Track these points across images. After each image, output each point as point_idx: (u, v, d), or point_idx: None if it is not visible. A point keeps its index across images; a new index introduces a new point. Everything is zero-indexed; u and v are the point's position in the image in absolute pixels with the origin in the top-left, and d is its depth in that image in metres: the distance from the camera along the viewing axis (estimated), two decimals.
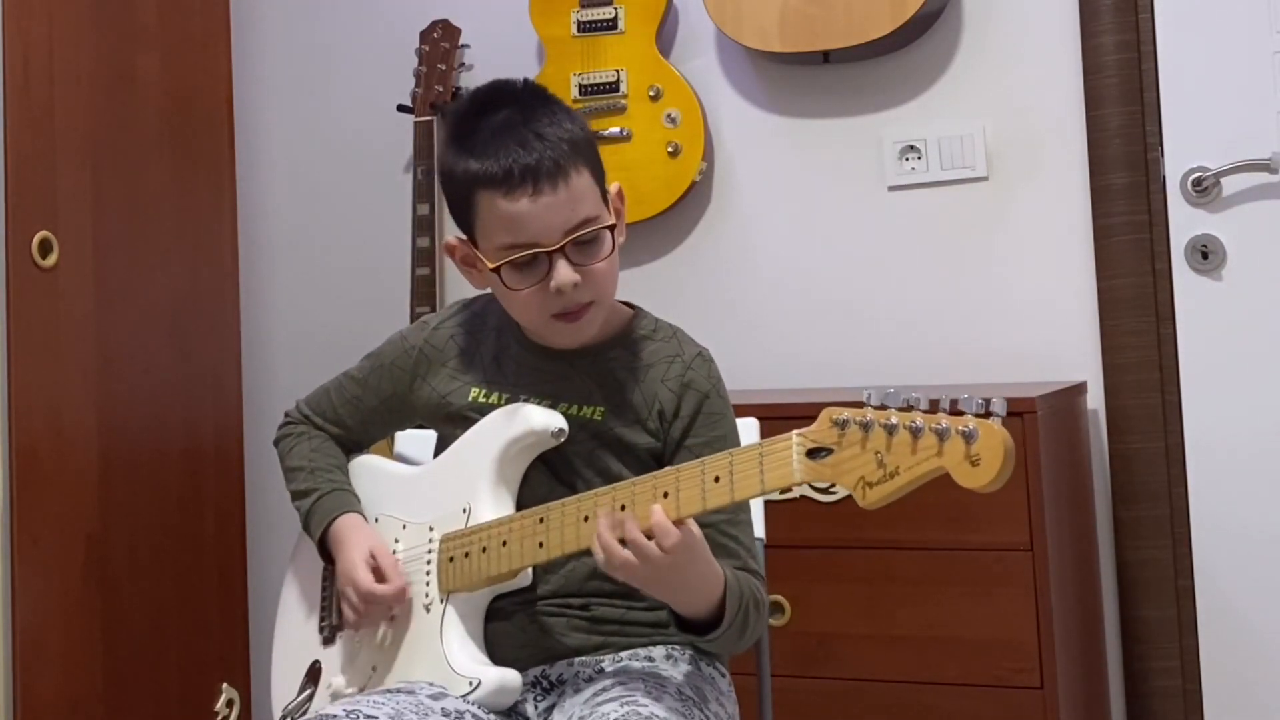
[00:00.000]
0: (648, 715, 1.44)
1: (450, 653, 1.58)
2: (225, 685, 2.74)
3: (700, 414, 1.64)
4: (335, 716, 1.47)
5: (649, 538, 1.43)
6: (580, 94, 2.79)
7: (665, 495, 1.45)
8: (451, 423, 1.70)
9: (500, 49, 2.93)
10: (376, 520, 1.74)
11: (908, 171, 2.71)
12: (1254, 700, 2.45)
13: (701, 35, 2.84)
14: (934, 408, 1.30)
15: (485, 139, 1.57)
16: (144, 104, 2.65)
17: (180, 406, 2.70)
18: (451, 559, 1.62)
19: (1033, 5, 2.64)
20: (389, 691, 1.55)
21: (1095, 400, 2.58)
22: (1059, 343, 2.60)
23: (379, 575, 1.65)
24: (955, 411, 1.28)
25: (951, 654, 2.20)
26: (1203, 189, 2.50)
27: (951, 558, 2.21)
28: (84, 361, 2.47)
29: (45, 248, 2.39)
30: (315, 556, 1.77)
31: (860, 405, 1.33)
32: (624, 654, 1.62)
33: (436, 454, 1.75)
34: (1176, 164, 2.52)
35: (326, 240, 3.17)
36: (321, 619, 1.78)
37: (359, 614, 1.66)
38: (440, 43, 2.92)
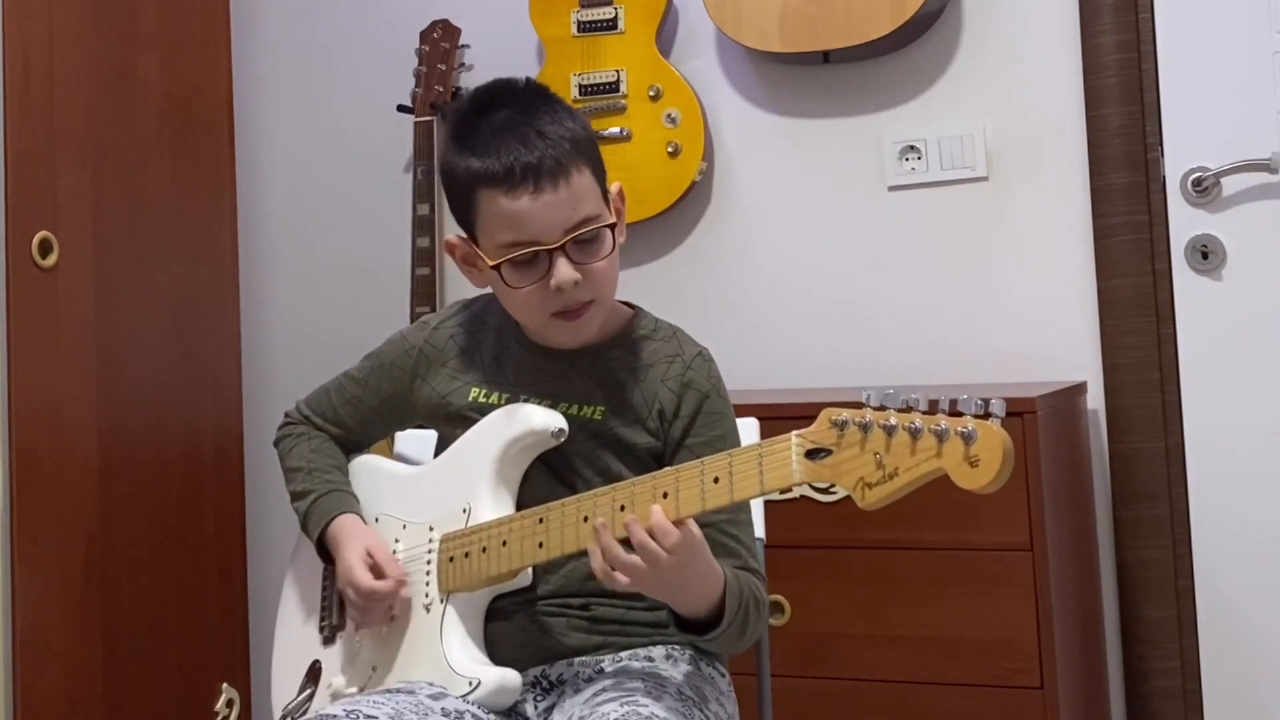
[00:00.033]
0: (648, 715, 1.44)
1: (450, 653, 1.58)
2: (225, 685, 2.74)
3: (700, 414, 1.64)
4: (335, 716, 1.48)
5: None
6: (580, 94, 2.78)
7: (665, 495, 1.45)
8: (451, 423, 1.70)
9: (500, 49, 2.93)
10: (376, 520, 1.74)
11: (908, 171, 2.70)
12: (1254, 700, 2.45)
13: (701, 35, 2.84)
14: (933, 409, 1.30)
15: (487, 137, 1.58)
16: (144, 104, 2.65)
17: (180, 407, 2.70)
18: (451, 559, 1.62)
19: (1033, 5, 2.64)
20: (389, 691, 1.55)
21: (1095, 400, 2.58)
22: (1059, 343, 2.60)
23: (376, 572, 1.65)
24: (954, 412, 1.28)
25: (951, 654, 2.20)
26: (1203, 189, 2.50)
27: (951, 558, 2.21)
28: (84, 362, 2.47)
29: (45, 248, 2.39)
30: (315, 556, 1.77)
31: (859, 406, 1.33)
32: (624, 654, 1.62)
33: (436, 454, 1.75)
34: (1176, 164, 2.52)
35: (326, 240, 3.17)
36: (321, 619, 1.78)
37: (361, 613, 1.67)
38: (440, 43, 2.92)
